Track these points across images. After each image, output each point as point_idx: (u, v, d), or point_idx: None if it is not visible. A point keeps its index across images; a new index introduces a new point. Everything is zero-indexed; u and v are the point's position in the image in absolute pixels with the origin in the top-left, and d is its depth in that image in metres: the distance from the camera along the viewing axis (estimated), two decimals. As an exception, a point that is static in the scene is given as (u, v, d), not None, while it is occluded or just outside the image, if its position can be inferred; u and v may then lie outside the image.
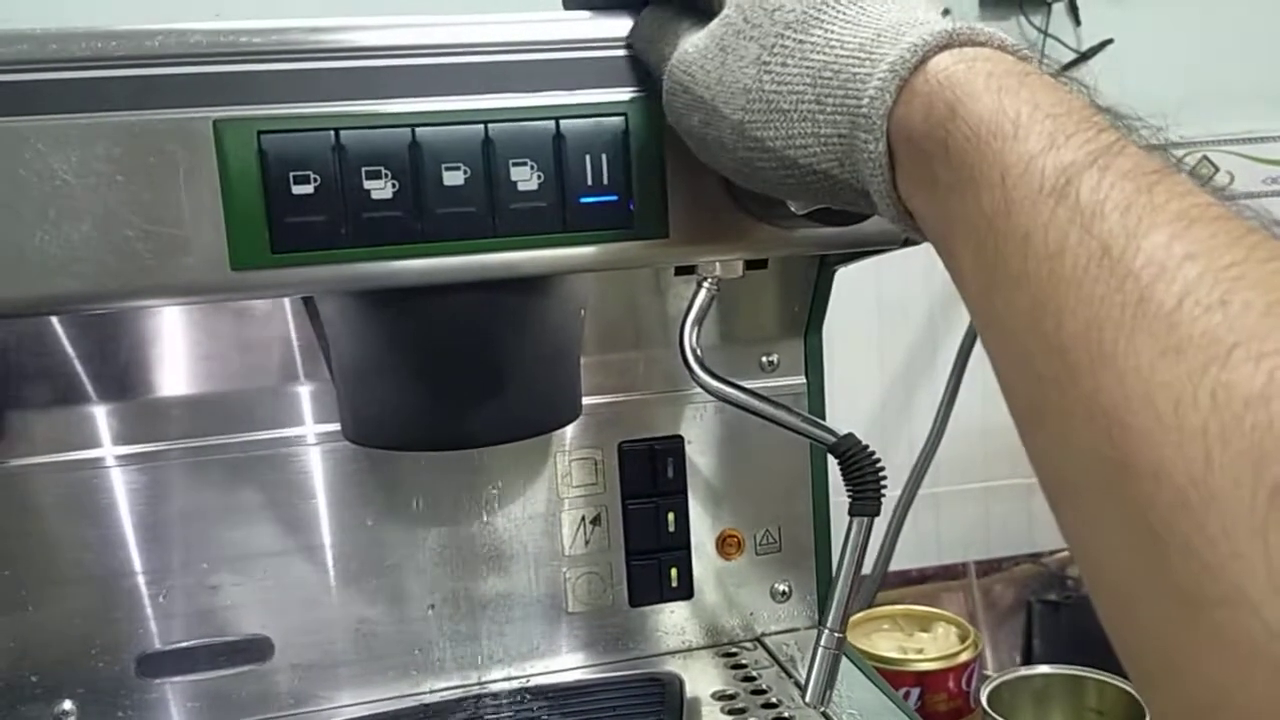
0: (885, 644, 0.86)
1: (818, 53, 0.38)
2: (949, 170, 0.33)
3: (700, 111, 0.42)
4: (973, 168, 0.32)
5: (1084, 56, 1.39)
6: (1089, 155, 0.29)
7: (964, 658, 0.85)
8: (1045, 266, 0.29)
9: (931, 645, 0.88)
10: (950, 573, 1.03)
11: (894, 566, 1.14)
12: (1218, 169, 1.49)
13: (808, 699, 0.53)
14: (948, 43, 0.34)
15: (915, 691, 0.82)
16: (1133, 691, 0.77)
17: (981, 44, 0.35)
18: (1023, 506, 1.08)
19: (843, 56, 0.37)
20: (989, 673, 0.86)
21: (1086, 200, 0.28)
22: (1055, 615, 1.03)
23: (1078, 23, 1.40)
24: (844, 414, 0.78)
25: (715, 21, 0.42)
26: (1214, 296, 0.25)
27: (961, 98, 0.33)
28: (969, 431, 0.94)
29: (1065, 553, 1.07)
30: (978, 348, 0.45)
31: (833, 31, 0.38)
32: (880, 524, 1.06)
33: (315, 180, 0.43)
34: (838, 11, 0.38)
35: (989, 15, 1.39)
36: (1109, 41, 1.38)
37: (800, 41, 0.38)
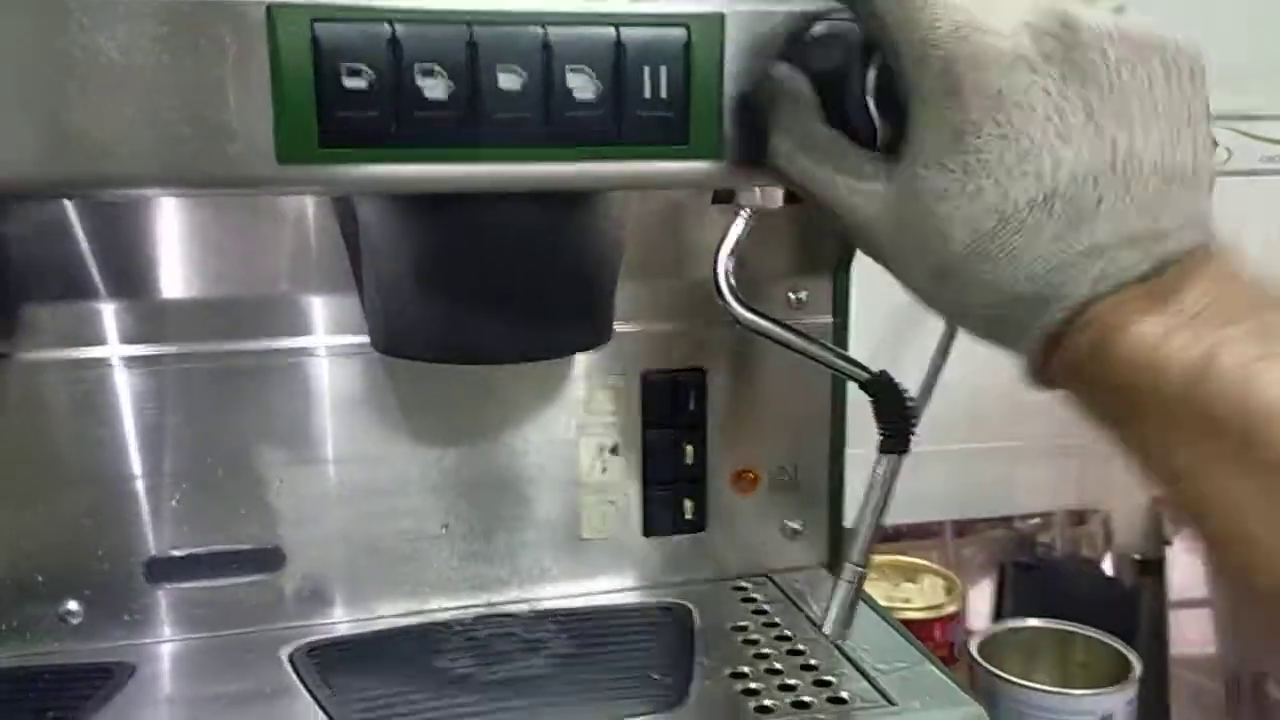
0: (872, 593, 0.86)
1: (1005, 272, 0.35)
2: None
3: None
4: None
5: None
6: None
7: (950, 609, 0.86)
8: None
9: (918, 596, 0.89)
10: (923, 531, 1.05)
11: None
12: (1216, 144, 1.49)
13: (826, 630, 0.53)
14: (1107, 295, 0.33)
15: (902, 640, 0.83)
16: (1120, 648, 0.78)
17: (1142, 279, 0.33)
18: (1003, 471, 1.08)
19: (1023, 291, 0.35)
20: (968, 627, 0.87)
21: None
22: (1027, 577, 1.05)
23: (1089, -8, 1.38)
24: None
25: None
26: None
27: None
28: (955, 391, 0.94)
29: (1037, 519, 1.08)
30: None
31: (1036, 246, 0.34)
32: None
33: (368, 74, 0.42)
34: (1044, 218, 0.34)
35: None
36: (1120, 10, 1.37)
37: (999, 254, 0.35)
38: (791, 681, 0.58)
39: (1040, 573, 1.06)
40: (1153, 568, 1.07)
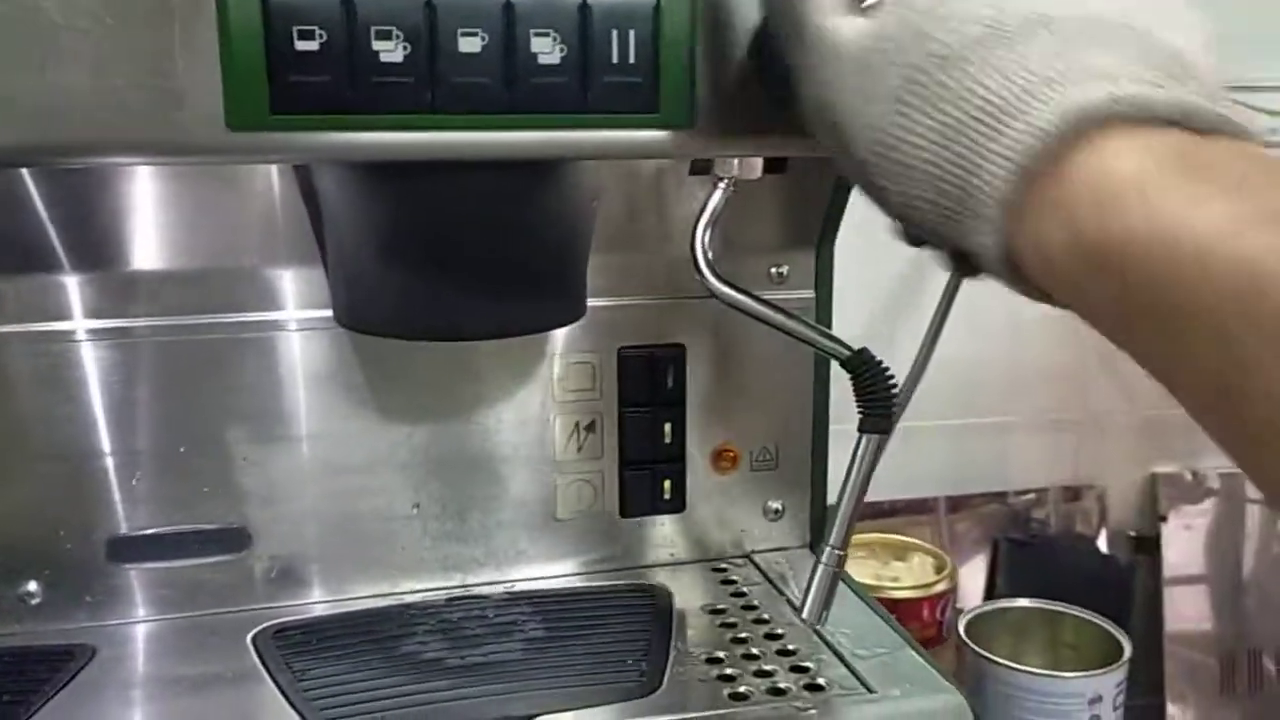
0: (861, 571, 0.85)
1: (951, 103, 0.31)
2: (1123, 296, 0.27)
3: (834, 133, 0.36)
4: (1170, 305, 0.26)
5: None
6: None
7: (940, 588, 0.84)
8: None
9: (907, 574, 0.88)
10: (918, 507, 1.04)
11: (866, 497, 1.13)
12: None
13: (805, 615, 0.52)
14: (1103, 122, 0.28)
15: (889, 620, 0.82)
16: (1111, 629, 0.77)
17: (1151, 120, 0.28)
18: (998, 447, 1.07)
19: (971, 117, 0.30)
20: (958, 606, 0.86)
21: None
22: (1021, 553, 1.04)
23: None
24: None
25: (872, 24, 0.34)
26: None
27: (1122, 222, 0.27)
28: (950, 366, 0.93)
29: (1032, 495, 1.07)
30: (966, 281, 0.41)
31: (975, 77, 0.30)
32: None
33: (321, 36, 0.40)
34: (987, 51, 0.30)
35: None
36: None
37: (940, 84, 0.31)
38: (769, 667, 0.57)
39: (1034, 549, 1.05)
40: (1148, 544, 1.07)
